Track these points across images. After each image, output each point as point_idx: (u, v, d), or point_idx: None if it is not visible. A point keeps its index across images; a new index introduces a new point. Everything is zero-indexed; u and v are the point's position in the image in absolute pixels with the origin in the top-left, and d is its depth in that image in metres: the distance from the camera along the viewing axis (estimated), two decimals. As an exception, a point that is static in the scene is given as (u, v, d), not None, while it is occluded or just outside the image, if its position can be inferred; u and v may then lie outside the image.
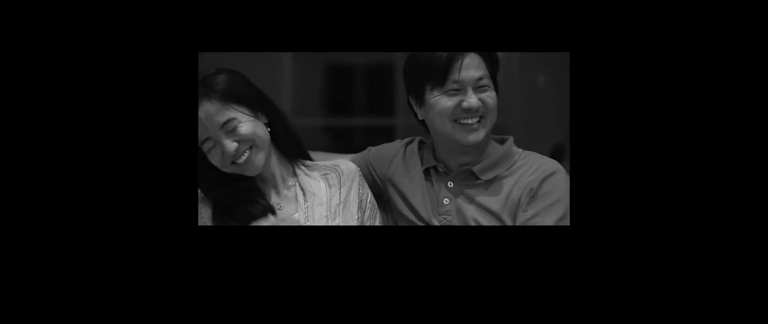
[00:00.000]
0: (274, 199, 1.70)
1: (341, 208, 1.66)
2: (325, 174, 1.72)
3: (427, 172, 1.79)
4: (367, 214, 1.72)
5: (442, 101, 1.69)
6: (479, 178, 1.74)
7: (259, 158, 1.63)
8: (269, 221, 1.67)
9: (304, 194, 1.67)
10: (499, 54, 1.77)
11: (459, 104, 1.69)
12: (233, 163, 1.62)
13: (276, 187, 1.70)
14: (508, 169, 1.75)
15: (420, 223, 1.74)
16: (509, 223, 1.69)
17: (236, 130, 1.60)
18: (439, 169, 1.78)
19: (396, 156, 1.85)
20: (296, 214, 1.67)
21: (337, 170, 1.72)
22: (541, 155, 1.79)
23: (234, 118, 1.60)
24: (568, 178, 1.70)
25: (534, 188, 1.69)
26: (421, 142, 1.87)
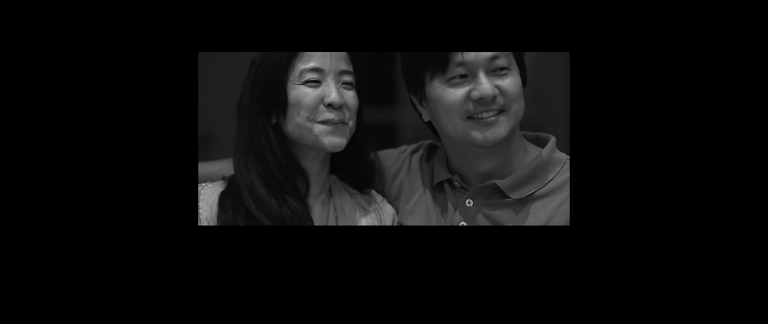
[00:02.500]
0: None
1: None
2: (364, 208, 1.50)
3: (439, 187, 1.43)
4: None
5: (447, 94, 1.33)
6: (508, 196, 1.37)
7: (336, 141, 1.39)
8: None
9: (337, 218, 1.47)
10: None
11: (469, 94, 1.34)
12: (319, 121, 1.39)
13: (310, 192, 1.46)
14: (548, 183, 1.37)
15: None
16: None
17: (347, 90, 1.41)
18: (455, 183, 1.41)
19: (400, 171, 1.51)
20: None
21: (378, 211, 1.49)
22: None
23: (352, 75, 1.43)
24: None
25: None
26: (430, 149, 1.52)
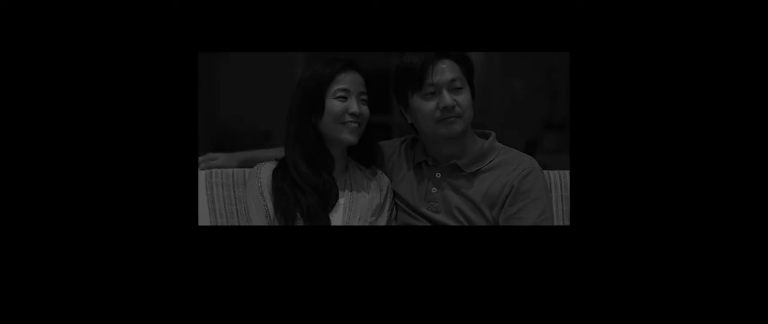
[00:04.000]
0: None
1: (379, 210, 1.99)
2: (369, 179, 2.04)
3: (419, 165, 2.04)
4: (396, 220, 2.03)
5: (423, 105, 1.91)
6: (463, 171, 1.95)
7: (352, 138, 1.96)
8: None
9: (351, 185, 1.99)
10: (483, 60, 1.90)
11: (437, 105, 1.90)
12: (343, 123, 1.95)
13: (335, 168, 2.01)
14: (489, 163, 1.95)
15: (409, 211, 1.98)
16: (487, 212, 1.88)
17: (363, 104, 1.98)
18: (429, 162, 2.01)
19: (393, 154, 2.11)
20: (341, 200, 1.96)
21: (378, 181, 2.04)
22: (518, 152, 1.98)
23: (366, 94, 1.99)
24: (543, 173, 1.93)
25: (514, 186, 1.88)
26: (414, 140, 2.12)
